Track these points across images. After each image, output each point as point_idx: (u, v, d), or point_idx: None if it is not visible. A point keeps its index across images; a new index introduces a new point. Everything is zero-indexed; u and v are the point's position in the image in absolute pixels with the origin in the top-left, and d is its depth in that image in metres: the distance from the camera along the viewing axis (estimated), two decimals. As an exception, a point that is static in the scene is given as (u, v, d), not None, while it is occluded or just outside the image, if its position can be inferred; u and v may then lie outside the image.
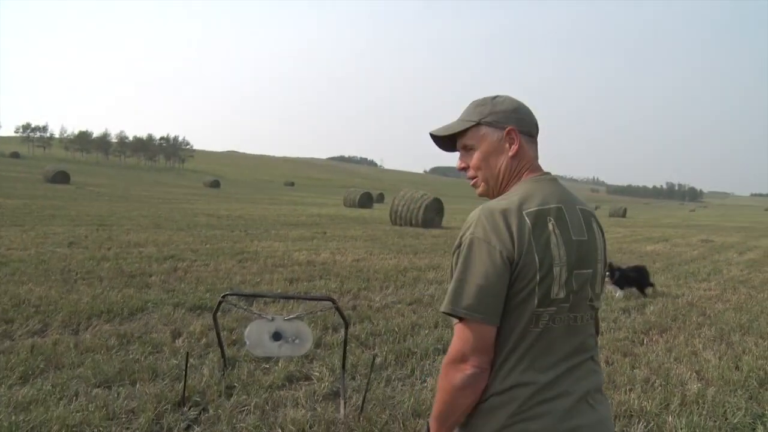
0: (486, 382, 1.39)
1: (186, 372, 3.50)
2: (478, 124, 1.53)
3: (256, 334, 3.67)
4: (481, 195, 1.60)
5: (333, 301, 3.76)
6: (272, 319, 3.69)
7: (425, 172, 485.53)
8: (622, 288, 8.45)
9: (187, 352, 3.61)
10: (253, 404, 3.69)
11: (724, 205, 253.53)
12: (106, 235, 12.18)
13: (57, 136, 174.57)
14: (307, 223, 20.32)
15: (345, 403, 3.75)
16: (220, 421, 3.45)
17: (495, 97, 1.56)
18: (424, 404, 3.82)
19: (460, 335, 1.37)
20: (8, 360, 4.18)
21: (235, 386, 3.98)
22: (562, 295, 1.39)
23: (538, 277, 1.36)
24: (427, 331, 5.75)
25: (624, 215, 51.84)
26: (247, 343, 3.70)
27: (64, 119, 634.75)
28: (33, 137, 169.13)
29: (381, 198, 56.50)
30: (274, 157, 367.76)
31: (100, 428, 3.23)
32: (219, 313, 3.92)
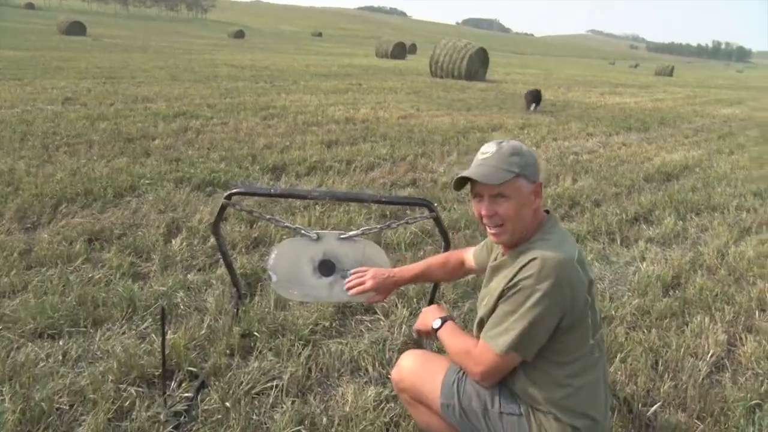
0: None
1: (164, 339, 1.91)
2: (518, 175, 1.47)
3: (290, 264, 2.05)
4: (500, 243, 1.57)
5: (431, 207, 2.11)
6: (317, 238, 2.04)
7: (458, 23, 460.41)
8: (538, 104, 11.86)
9: (163, 308, 1.99)
10: (287, 378, 2.16)
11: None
12: (112, 89, 10.45)
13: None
14: (340, 74, 18.21)
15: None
16: (227, 426, 1.93)
17: (520, 147, 1.50)
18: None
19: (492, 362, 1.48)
20: None
21: (254, 335, 2.43)
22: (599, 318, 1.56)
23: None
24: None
25: (671, 74, 47.80)
26: (273, 278, 2.09)
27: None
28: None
29: (414, 49, 52.82)
30: (300, 6, 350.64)
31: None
32: (230, 209, 2.15)
